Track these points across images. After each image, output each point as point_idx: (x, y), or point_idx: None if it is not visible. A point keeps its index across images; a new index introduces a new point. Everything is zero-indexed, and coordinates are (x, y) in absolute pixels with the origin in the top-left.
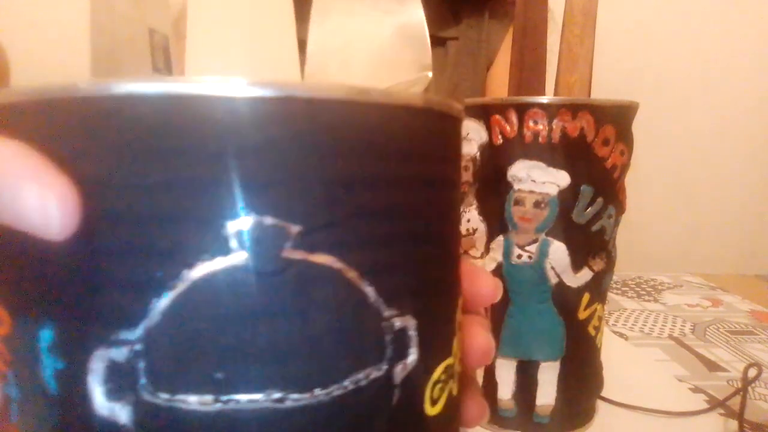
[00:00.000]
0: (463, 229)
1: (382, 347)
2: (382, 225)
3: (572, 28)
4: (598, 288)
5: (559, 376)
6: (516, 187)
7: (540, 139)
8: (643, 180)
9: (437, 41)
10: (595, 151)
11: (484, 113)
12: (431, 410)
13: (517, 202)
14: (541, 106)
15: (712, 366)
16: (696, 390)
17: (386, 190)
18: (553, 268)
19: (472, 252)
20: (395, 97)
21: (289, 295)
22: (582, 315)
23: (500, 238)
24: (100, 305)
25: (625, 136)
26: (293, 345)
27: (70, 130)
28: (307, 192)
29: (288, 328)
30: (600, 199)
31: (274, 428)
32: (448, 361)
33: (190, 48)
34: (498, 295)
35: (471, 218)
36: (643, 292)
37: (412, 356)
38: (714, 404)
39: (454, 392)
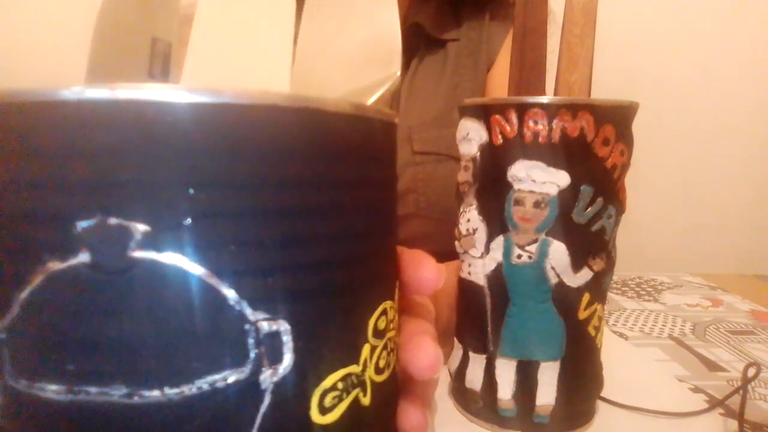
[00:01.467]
0: (463, 229)
1: (244, 350)
2: (244, 227)
3: (572, 28)
4: (598, 288)
5: (559, 376)
6: (516, 187)
7: (540, 139)
8: (643, 180)
9: (438, 43)
10: (595, 151)
11: (484, 113)
12: (322, 419)
13: (517, 202)
14: (541, 106)
15: (712, 366)
16: (696, 390)
17: (247, 191)
18: (553, 268)
19: (472, 252)
20: (245, 95)
21: (134, 294)
22: (582, 315)
23: (500, 238)
24: None
25: (625, 136)
26: (140, 342)
27: None
28: (155, 193)
29: (134, 325)
30: (600, 199)
31: (124, 423)
32: (350, 369)
33: (190, 55)
34: (441, 281)
35: (471, 218)
36: (643, 292)
37: (287, 362)
38: (714, 404)
39: (364, 402)
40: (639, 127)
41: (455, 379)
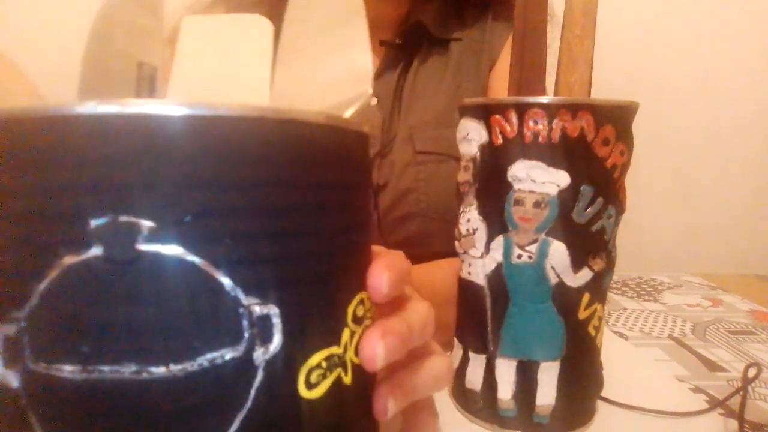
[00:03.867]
0: (463, 229)
1: (240, 331)
2: (237, 223)
3: (572, 28)
4: (598, 288)
5: (559, 376)
6: (516, 187)
7: (540, 139)
8: (643, 180)
9: (440, 42)
10: (595, 151)
11: (484, 113)
12: (308, 393)
13: (517, 202)
14: (541, 106)
15: (712, 366)
16: (696, 390)
17: (239, 192)
18: (553, 268)
19: (472, 252)
20: (236, 109)
21: (142, 282)
22: (582, 315)
23: (500, 238)
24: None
25: (625, 136)
26: (147, 325)
27: None
28: (159, 194)
29: (142, 309)
30: (600, 199)
31: (134, 397)
32: (333, 350)
33: (174, 79)
34: (384, 291)
35: (471, 218)
36: (643, 292)
37: (276, 341)
38: (714, 404)
39: (346, 381)
40: (639, 127)
41: (455, 379)
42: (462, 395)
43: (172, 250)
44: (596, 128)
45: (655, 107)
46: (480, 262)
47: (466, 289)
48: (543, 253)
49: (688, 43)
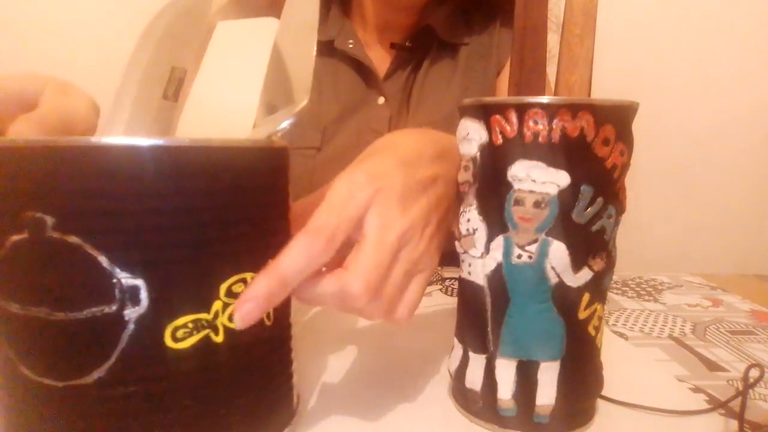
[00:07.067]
0: (463, 229)
1: (113, 294)
2: (112, 220)
3: (572, 28)
4: (598, 288)
5: (559, 376)
6: (516, 187)
7: (540, 139)
8: (643, 180)
9: (450, 46)
10: (595, 151)
11: (484, 113)
12: (174, 344)
13: (517, 202)
14: (541, 106)
15: (712, 366)
16: (696, 390)
17: (111, 199)
18: (553, 268)
19: (472, 252)
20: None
21: (50, 256)
22: (582, 315)
23: (500, 238)
24: None
25: (625, 136)
26: (54, 284)
27: None
28: (58, 198)
29: (51, 273)
30: (600, 199)
31: (47, 330)
32: (201, 315)
33: (195, 83)
34: (237, 325)
35: (471, 218)
36: (643, 292)
37: (144, 304)
38: (715, 405)
39: (216, 339)
40: (639, 127)
41: (455, 379)
42: (462, 395)
43: (69, 237)
44: (596, 128)
45: (655, 107)
46: (480, 262)
47: (466, 289)
48: (543, 253)
49: (688, 43)
